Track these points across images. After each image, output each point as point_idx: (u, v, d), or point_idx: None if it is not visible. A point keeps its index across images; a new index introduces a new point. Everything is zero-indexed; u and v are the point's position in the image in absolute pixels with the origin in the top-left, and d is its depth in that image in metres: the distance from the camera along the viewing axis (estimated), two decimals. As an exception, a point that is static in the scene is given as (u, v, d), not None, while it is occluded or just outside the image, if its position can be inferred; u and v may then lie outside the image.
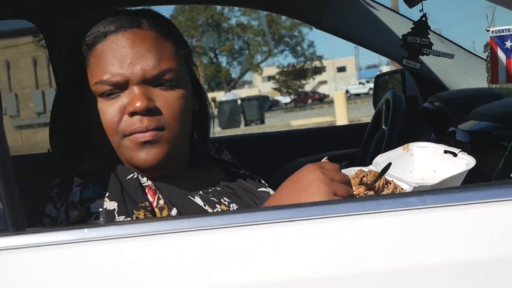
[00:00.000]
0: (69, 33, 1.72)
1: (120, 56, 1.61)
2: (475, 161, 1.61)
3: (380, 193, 1.52)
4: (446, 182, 1.53)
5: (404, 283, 1.19)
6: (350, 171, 1.59)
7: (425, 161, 1.63)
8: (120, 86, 1.61)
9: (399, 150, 1.70)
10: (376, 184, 1.52)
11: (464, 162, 1.61)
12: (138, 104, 1.58)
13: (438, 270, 1.19)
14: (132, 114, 1.59)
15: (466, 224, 1.22)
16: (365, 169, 1.60)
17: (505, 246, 1.21)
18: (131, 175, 1.60)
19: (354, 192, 1.50)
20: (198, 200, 1.66)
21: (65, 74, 1.74)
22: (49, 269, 1.16)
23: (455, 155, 1.62)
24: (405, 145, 1.70)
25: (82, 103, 1.67)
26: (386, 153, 1.69)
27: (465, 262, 1.20)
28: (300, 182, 1.45)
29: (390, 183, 1.54)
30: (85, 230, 1.20)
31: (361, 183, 1.53)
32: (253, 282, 1.17)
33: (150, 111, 1.60)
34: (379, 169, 1.57)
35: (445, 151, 1.64)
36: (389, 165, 1.53)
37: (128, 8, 1.74)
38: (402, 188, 1.53)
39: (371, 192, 1.52)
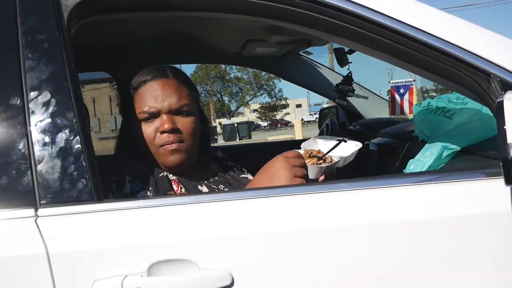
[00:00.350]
0: (124, 80, 1.71)
1: (154, 95, 1.62)
2: (361, 144, 1.63)
3: (324, 162, 1.53)
4: (349, 157, 1.58)
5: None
6: (301, 151, 1.59)
7: (325, 146, 1.63)
8: (154, 115, 1.62)
9: (311, 141, 1.69)
10: (324, 157, 1.54)
11: (353, 145, 1.62)
12: (166, 126, 1.60)
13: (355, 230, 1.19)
14: (162, 132, 1.61)
15: (373, 201, 1.23)
16: (308, 148, 1.60)
17: (397, 213, 1.21)
18: (162, 173, 1.61)
19: (308, 162, 1.50)
20: (204, 188, 1.66)
21: (121, 107, 1.74)
22: (120, 224, 1.16)
23: (345, 141, 1.63)
24: (313, 138, 1.70)
25: (132, 125, 1.66)
26: (305, 142, 1.67)
27: (374, 224, 1.20)
28: (271, 169, 1.46)
29: (327, 157, 1.55)
30: (141, 200, 1.21)
31: (311, 156, 1.54)
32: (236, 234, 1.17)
33: (174, 130, 1.61)
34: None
35: (338, 140, 1.64)
36: (339, 142, 1.55)
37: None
38: (333, 159, 1.55)
39: (320, 161, 1.52)
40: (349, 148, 1.61)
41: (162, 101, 1.62)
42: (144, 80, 1.65)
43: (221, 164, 1.89)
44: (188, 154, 1.66)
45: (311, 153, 1.55)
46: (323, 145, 1.65)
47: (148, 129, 1.62)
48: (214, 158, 1.93)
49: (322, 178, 1.50)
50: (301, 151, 1.57)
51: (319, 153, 1.56)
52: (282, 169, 1.43)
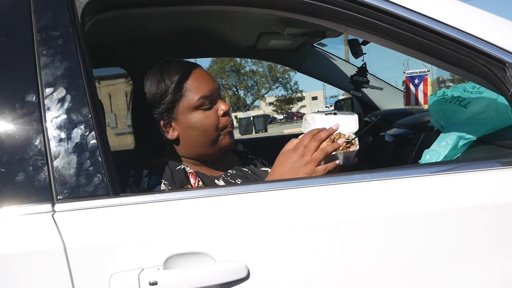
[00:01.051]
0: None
1: (206, 80, 1.65)
2: (355, 113, 1.63)
3: (353, 145, 1.52)
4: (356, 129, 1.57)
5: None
6: (316, 120, 1.59)
7: (316, 123, 1.61)
8: (212, 98, 1.65)
9: (305, 123, 1.67)
10: (353, 140, 1.53)
11: (349, 116, 1.61)
12: (226, 107, 1.65)
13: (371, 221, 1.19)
14: (224, 114, 1.65)
15: (391, 190, 1.22)
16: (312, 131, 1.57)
17: (414, 205, 1.21)
18: (179, 166, 1.60)
19: (340, 149, 1.48)
20: (221, 182, 1.65)
21: (149, 106, 1.67)
22: (136, 218, 1.17)
23: (335, 113, 1.62)
24: (304, 118, 1.68)
25: (173, 119, 1.65)
26: (303, 128, 1.66)
27: (391, 216, 1.19)
28: (286, 162, 1.46)
29: (349, 135, 1.54)
30: (156, 194, 1.22)
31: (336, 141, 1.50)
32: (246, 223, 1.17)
33: (229, 110, 1.67)
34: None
35: (326, 113, 1.63)
36: (368, 124, 1.54)
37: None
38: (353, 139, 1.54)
39: (349, 145, 1.51)
40: (348, 121, 1.60)
41: (213, 84, 1.66)
42: (187, 71, 1.65)
43: (241, 157, 1.89)
44: None
45: (334, 138, 1.52)
46: (319, 122, 1.63)
47: (210, 115, 1.64)
48: (234, 151, 1.93)
49: (339, 162, 1.49)
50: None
51: (340, 136, 1.53)
52: (297, 165, 1.43)
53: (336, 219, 1.18)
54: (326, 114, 1.63)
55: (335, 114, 1.62)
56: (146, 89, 1.65)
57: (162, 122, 1.64)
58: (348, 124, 1.59)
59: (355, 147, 1.52)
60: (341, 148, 1.49)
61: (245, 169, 1.79)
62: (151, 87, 1.64)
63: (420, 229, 1.19)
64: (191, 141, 1.63)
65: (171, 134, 1.64)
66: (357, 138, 1.53)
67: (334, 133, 1.52)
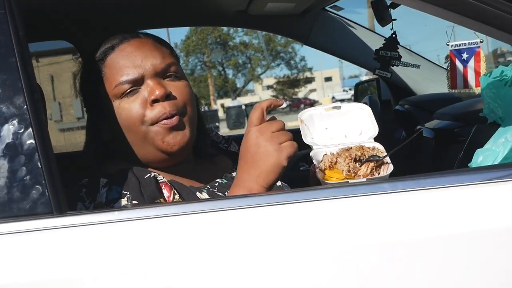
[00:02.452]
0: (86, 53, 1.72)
1: (130, 59, 1.63)
2: (367, 106, 1.61)
3: (384, 165, 1.46)
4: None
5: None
6: (321, 153, 1.56)
7: (314, 125, 1.61)
8: (138, 82, 1.62)
9: (302, 126, 1.66)
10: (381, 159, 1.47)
11: (356, 109, 1.61)
12: (157, 92, 1.59)
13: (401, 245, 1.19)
14: (154, 102, 1.59)
15: (427, 206, 1.23)
16: (334, 150, 1.55)
17: (461, 223, 1.21)
18: (148, 174, 1.59)
19: (361, 173, 1.43)
20: (204, 195, 1.64)
21: (82, 90, 1.76)
22: (86, 244, 1.17)
23: (339, 108, 1.61)
24: (299, 119, 1.67)
25: (104, 111, 1.66)
26: (302, 133, 1.65)
27: (428, 238, 1.20)
28: (249, 149, 1.46)
29: (378, 150, 1.51)
30: (116, 212, 1.22)
31: (357, 160, 1.46)
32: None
33: (168, 97, 1.60)
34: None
35: (327, 108, 1.62)
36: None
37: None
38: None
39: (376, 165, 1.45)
40: (359, 119, 1.59)
41: (143, 62, 1.64)
42: (111, 46, 1.66)
43: (234, 161, 1.89)
44: (191, 132, 1.65)
45: (351, 155, 1.50)
46: (318, 122, 1.62)
47: (131, 104, 1.61)
48: (227, 153, 1.93)
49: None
50: (327, 154, 1.54)
51: (362, 151, 1.51)
52: (262, 142, 1.43)
53: (356, 243, 1.19)
54: (327, 109, 1.62)
55: (338, 108, 1.62)
56: (80, 74, 1.75)
57: (93, 115, 1.72)
58: (360, 124, 1.58)
59: (388, 168, 1.48)
60: (368, 171, 1.46)
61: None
62: (81, 69, 1.74)
63: (467, 256, 1.19)
64: (122, 140, 1.64)
65: (104, 133, 1.70)
66: (388, 157, 1.49)
67: (354, 146, 1.51)
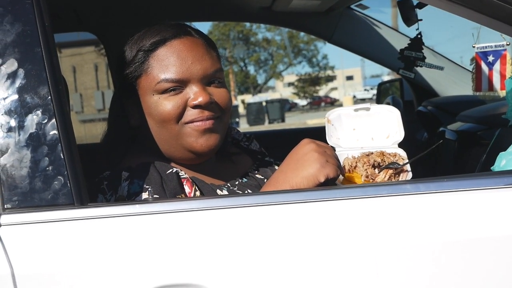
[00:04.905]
0: (123, 43, 1.70)
1: (181, 58, 1.61)
2: (397, 109, 1.60)
3: (403, 172, 1.48)
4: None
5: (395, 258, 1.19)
6: (343, 155, 1.56)
7: (342, 126, 1.61)
8: (183, 83, 1.61)
9: (328, 126, 1.65)
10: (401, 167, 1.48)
11: (386, 112, 1.60)
12: (201, 99, 1.59)
13: (428, 247, 1.19)
14: (195, 107, 1.60)
15: (452, 207, 1.22)
16: (356, 154, 1.56)
17: (484, 227, 1.20)
18: (171, 170, 1.60)
19: (378, 177, 1.46)
20: (225, 192, 1.65)
21: (118, 78, 1.73)
22: (109, 237, 1.18)
23: (368, 109, 1.61)
24: (327, 119, 1.66)
25: (134, 101, 1.66)
26: (327, 133, 1.64)
27: (449, 242, 1.19)
28: (297, 154, 1.47)
29: (398, 156, 1.51)
30: (137, 205, 1.22)
31: (375, 165, 1.48)
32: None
33: (210, 104, 1.61)
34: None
35: (356, 109, 1.62)
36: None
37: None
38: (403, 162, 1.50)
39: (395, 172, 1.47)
40: (387, 122, 1.59)
41: (193, 64, 1.63)
42: (162, 39, 1.64)
43: (255, 160, 1.89)
44: (222, 138, 1.67)
45: (369, 161, 1.50)
46: (347, 123, 1.62)
47: (171, 102, 1.61)
48: (248, 151, 1.93)
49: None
50: (349, 157, 1.54)
51: (383, 157, 1.51)
52: (312, 152, 1.44)
53: (377, 244, 1.19)
54: (356, 110, 1.62)
55: (368, 109, 1.61)
56: (118, 57, 1.71)
57: (125, 102, 1.70)
58: (388, 127, 1.58)
59: (406, 176, 1.48)
60: (386, 178, 1.47)
61: (260, 177, 1.78)
62: (122, 54, 1.70)
63: (491, 262, 1.19)
64: (153, 134, 1.64)
65: (133, 119, 1.69)
66: (408, 164, 1.49)
67: (374, 151, 1.51)
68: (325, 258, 1.17)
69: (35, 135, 1.19)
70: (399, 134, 1.56)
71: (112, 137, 1.75)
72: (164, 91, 1.61)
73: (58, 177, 1.18)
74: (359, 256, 1.18)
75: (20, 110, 1.20)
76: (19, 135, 1.19)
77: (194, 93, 1.61)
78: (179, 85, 1.61)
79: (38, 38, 1.23)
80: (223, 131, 1.67)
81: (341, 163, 1.51)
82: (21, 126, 1.20)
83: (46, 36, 1.24)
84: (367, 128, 1.60)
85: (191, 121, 1.61)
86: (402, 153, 1.53)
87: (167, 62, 1.61)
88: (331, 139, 1.62)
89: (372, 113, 1.61)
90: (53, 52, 1.25)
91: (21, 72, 1.22)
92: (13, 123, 1.20)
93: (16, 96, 1.21)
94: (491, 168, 1.64)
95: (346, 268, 1.18)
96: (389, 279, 1.18)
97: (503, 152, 1.64)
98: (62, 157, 1.18)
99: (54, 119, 1.20)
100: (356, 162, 1.50)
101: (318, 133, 1.65)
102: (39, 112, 1.20)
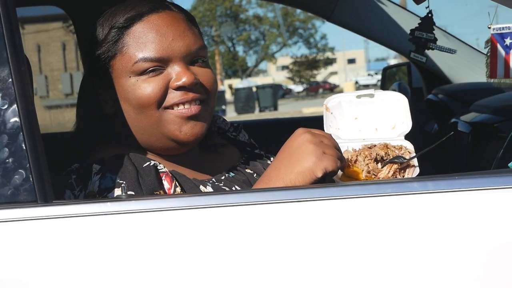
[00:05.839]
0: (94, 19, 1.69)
1: (160, 34, 1.61)
2: (404, 96, 1.61)
3: (409, 167, 1.48)
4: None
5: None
6: (343, 148, 1.57)
7: (343, 114, 1.62)
8: (163, 62, 1.60)
9: (327, 115, 1.65)
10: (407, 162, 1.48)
11: (391, 98, 1.61)
12: (185, 79, 1.58)
13: (438, 251, 1.20)
14: (178, 88, 1.60)
15: (463, 208, 1.23)
16: (357, 146, 1.56)
17: (500, 232, 1.21)
18: (148, 162, 1.59)
19: (382, 173, 1.46)
20: (209, 189, 1.65)
21: (87, 60, 1.71)
22: (74, 238, 1.18)
23: (372, 96, 1.61)
24: (325, 106, 1.66)
25: (108, 85, 1.65)
26: (325, 123, 1.65)
27: (463, 246, 1.20)
28: (291, 146, 1.48)
29: (404, 150, 1.52)
30: (108, 203, 1.22)
31: (377, 160, 1.49)
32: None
33: (195, 85, 1.61)
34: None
35: (359, 96, 1.63)
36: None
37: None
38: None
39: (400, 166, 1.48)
40: (394, 110, 1.59)
41: (174, 41, 1.62)
42: (138, 14, 1.63)
43: (244, 152, 1.89)
44: (207, 125, 1.67)
45: (371, 155, 1.51)
46: (348, 112, 1.63)
47: (151, 84, 1.60)
48: (235, 142, 1.93)
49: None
50: (349, 149, 1.55)
51: (387, 150, 1.51)
52: (307, 143, 1.44)
53: (380, 249, 1.20)
54: (358, 97, 1.62)
55: (372, 96, 1.62)
56: (88, 36, 1.69)
57: (96, 86, 1.69)
58: (395, 116, 1.58)
59: (413, 171, 1.48)
60: (390, 174, 1.47)
61: (249, 171, 1.79)
62: (92, 32, 1.68)
63: (501, 264, 1.20)
64: (129, 122, 1.63)
65: (107, 106, 1.68)
66: (415, 159, 1.49)
67: (377, 144, 1.51)
68: (320, 263, 1.18)
69: (-6, 123, 1.19)
70: (406, 124, 1.57)
71: (82, 126, 1.74)
72: (143, 72, 1.60)
73: (19, 170, 1.18)
74: (358, 262, 1.19)
75: (-23, 95, 1.20)
76: (-25, 123, 1.19)
77: (176, 73, 1.61)
78: (159, 64, 1.60)
79: (-4, 11, 1.23)
80: (209, 117, 1.67)
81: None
82: (-23, 113, 1.20)
83: (7, 10, 1.24)
84: (371, 117, 1.61)
85: (174, 105, 1.60)
86: (409, 146, 1.54)
87: (145, 39, 1.61)
88: (329, 130, 1.62)
89: (377, 101, 1.61)
90: (14, 28, 1.25)
91: (-23, 51, 1.22)
92: (-32, 109, 1.20)
93: (-28, 79, 1.21)
94: (509, 165, 1.65)
95: (342, 275, 1.18)
96: (391, 285, 1.19)
97: (522, 147, 1.66)
98: (24, 147, 1.19)
99: (15, 105, 1.20)
100: (357, 156, 1.50)
101: (316, 123, 1.65)
102: (-2, 96, 1.20)
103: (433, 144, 1.51)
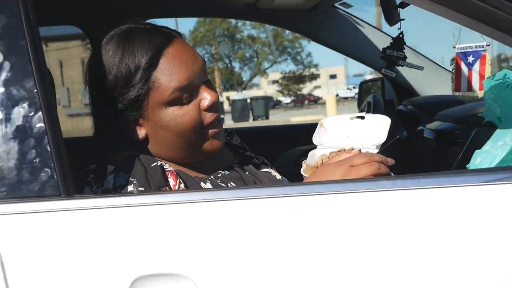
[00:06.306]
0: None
1: (182, 62, 1.58)
2: (388, 119, 1.61)
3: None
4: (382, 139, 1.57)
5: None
6: (316, 154, 1.60)
7: (337, 132, 1.63)
8: (193, 86, 1.59)
9: (320, 129, 1.68)
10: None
11: (379, 121, 1.61)
12: (211, 97, 1.59)
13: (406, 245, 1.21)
14: (208, 108, 1.60)
15: (428, 203, 1.24)
16: (327, 151, 1.59)
17: (459, 224, 1.22)
18: (155, 163, 1.59)
19: None
20: (208, 185, 1.65)
21: (108, 101, 1.60)
22: (94, 228, 1.19)
23: (363, 118, 1.63)
24: (320, 123, 1.69)
25: (138, 117, 1.61)
26: (315, 134, 1.67)
27: (427, 237, 1.21)
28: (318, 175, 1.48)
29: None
30: (122, 197, 1.24)
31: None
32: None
33: (217, 101, 1.62)
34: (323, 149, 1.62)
35: (351, 118, 1.65)
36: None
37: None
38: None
39: None
40: (376, 127, 1.61)
41: (194, 65, 1.60)
42: (158, 50, 1.56)
43: (237, 154, 1.90)
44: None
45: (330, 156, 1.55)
46: (340, 130, 1.65)
47: (189, 112, 1.58)
48: (229, 145, 1.93)
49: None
50: (325, 153, 1.57)
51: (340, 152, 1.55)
52: (331, 167, 1.46)
53: (350, 239, 1.20)
54: (351, 118, 1.64)
55: (362, 118, 1.63)
56: (105, 66, 1.60)
57: (126, 118, 1.62)
58: (378, 135, 1.60)
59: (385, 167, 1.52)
60: (319, 162, 1.51)
61: (242, 170, 1.79)
62: (110, 67, 1.59)
63: (461, 255, 1.20)
64: (165, 143, 1.61)
65: (139, 133, 1.63)
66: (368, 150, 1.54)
67: (347, 148, 1.54)
68: (297, 254, 1.19)
69: (22, 128, 1.20)
70: (383, 138, 1.58)
71: (104, 137, 1.71)
72: (177, 101, 1.58)
73: (45, 169, 1.18)
74: (332, 254, 1.20)
75: (6, 103, 1.21)
76: (6, 127, 1.20)
77: (203, 95, 1.60)
78: (189, 91, 1.58)
79: (23, 31, 1.23)
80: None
81: (319, 159, 1.54)
82: (7, 119, 1.20)
83: (31, 29, 1.24)
84: (360, 135, 1.62)
85: (207, 126, 1.62)
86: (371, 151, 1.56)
87: (172, 71, 1.56)
88: (315, 138, 1.65)
89: (366, 122, 1.63)
90: (38, 45, 1.25)
91: (6, 65, 1.22)
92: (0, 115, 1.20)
93: (2, 89, 1.21)
94: (467, 166, 1.66)
95: (319, 267, 1.19)
96: (363, 277, 1.19)
97: (478, 150, 1.66)
98: (49, 149, 1.19)
99: (40, 112, 1.21)
100: (328, 158, 1.53)
101: (302, 130, 1.66)
102: (25, 105, 1.21)
103: (380, 150, 1.55)
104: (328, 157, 1.53)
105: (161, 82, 1.56)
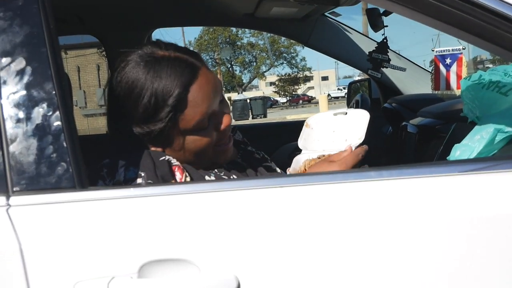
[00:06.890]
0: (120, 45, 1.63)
1: (206, 94, 1.56)
2: (368, 114, 1.62)
3: None
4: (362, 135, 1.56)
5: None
6: (300, 159, 1.61)
7: (323, 128, 1.63)
8: (212, 113, 1.59)
9: (305, 129, 1.68)
10: None
11: (360, 116, 1.61)
12: (227, 121, 1.62)
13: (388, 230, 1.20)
14: (224, 130, 1.62)
15: (412, 191, 1.23)
16: (315, 155, 1.60)
17: (440, 211, 1.21)
18: (163, 157, 1.56)
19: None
20: (212, 177, 1.63)
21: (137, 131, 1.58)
22: (106, 217, 1.18)
23: (345, 113, 1.63)
24: (306, 123, 1.69)
25: (161, 140, 1.59)
26: (300, 136, 1.68)
27: (410, 224, 1.20)
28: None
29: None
30: (131, 189, 1.23)
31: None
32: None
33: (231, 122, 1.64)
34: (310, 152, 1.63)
35: (335, 114, 1.66)
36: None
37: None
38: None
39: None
40: (358, 121, 1.60)
41: (214, 96, 1.58)
42: (185, 88, 1.52)
43: (239, 149, 1.89)
44: None
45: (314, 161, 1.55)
46: (324, 125, 1.64)
47: (207, 136, 1.59)
48: (233, 141, 1.93)
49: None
50: (308, 158, 1.58)
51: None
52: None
53: (341, 224, 1.19)
54: (335, 114, 1.64)
55: (345, 114, 1.63)
56: (129, 93, 1.55)
57: (145, 139, 1.61)
58: (359, 129, 1.59)
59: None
60: (303, 168, 1.53)
61: (243, 164, 1.79)
62: (135, 97, 1.54)
63: (443, 240, 1.19)
64: (179, 156, 1.61)
65: (154, 149, 1.61)
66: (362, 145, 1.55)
67: (326, 154, 1.56)
68: (292, 238, 1.18)
69: (41, 126, 1.19)
70: (359, 138, 1.57)
71: (117, 136, 1.70)
72: (198, 129, 1.57)
73: (61, 163, 1.18)
74: (320, 243, 1.18)
75: (27, 104, 1.20)
76: (26, 125, 1.19)
77: (219, 119, 1.61)
78: (209, 117, 1.58)
79: (44, 39, 1.23)
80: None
81: (302, 164, 1.55)
82: (28, 118, 1.19)
83: (51, 38, 1.24)
84: (343, 130, 1.62)
85: (221, 143, 1.63)
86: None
87: (197, 103, 1.54)
88: (300, 141, 1.65)
89: (349, 117, 1.63)
90: (57, 52, 1.24)
91: (28, 69, 1.21)
92: (21, 115, 1.19)
93: (24, 91, 1.21)
94: (447, 158, 1.65)
95: (304, 256, 1.18)
96: (348, 266, 1.18)
97: (457, 144, 1.66)
98: (65, 145, 1.18)
99: (58, 112, 1.20)
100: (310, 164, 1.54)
101: (296, 127, 1.65)
102: (44, 105, 1.20)
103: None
104: (310, 162, 1.54)
105: (185, 115, 1.54)
